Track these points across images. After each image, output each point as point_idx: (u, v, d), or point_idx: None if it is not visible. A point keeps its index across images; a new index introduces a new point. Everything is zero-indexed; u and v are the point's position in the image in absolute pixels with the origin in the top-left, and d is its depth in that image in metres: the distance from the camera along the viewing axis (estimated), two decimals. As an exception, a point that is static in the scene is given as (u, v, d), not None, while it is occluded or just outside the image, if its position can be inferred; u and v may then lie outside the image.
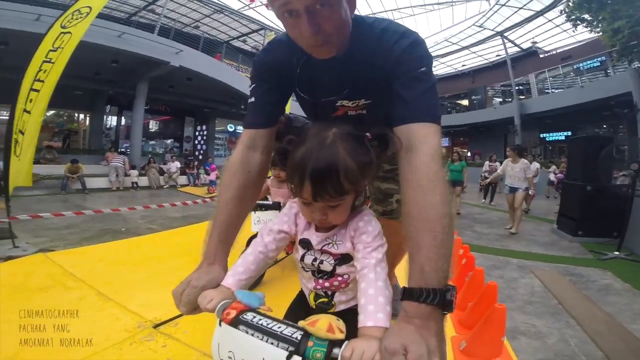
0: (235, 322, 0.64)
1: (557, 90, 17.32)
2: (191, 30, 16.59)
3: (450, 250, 0.67)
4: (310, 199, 0.72)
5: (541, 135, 18.61)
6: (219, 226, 0.87)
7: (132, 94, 12.51)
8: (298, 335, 0.59)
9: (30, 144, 3.30)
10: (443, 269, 0.64)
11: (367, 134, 0.75)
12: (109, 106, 14.95)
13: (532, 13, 15.96)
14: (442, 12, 20.99)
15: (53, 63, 3.58)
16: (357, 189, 0.75)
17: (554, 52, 18.54)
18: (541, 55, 18.98)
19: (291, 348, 0.57)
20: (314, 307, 0.87)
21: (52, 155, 10.96)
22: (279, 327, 0.61)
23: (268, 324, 0.62)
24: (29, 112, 3.28)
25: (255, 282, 0.97)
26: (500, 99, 21.39)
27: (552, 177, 11.30)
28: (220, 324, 0.66)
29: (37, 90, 3.37)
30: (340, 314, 0.77)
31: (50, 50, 3.67)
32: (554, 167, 11.85)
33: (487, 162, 9.48)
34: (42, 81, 3.43)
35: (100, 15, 6.13)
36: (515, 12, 16.32)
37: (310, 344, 0.57)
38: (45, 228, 4.79)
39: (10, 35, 9.24)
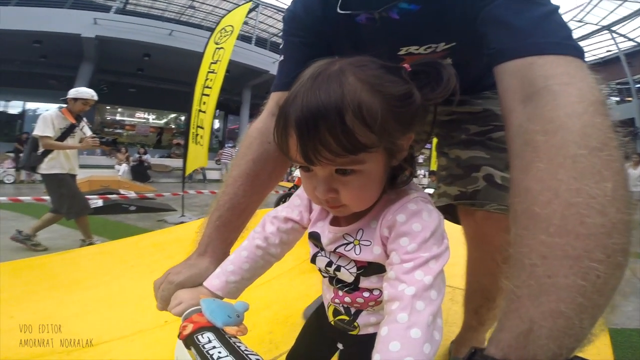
0: (187, 341, 0.47)
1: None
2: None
3: (606, 300, 0.34)
4: (302, 160, 0.43)
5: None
6: (219, 208, 0.68)
7: (237, 100, 14.34)
8: None
9: (206, 134, 4.37)
10: (575, 338, 0.33)
11: (405, 65, 0.47)
12: (217, 110, 17.30)
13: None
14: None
15: (215, 73, 4.63)
16: (386, 143, 0.43)
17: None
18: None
19: None
20: (332, 323, 0.60)
21: (179, 151, 13.21)
22: None
23: (220, 357, 0.43)
24: (204, 112, 4.36)
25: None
26: (618, 98, 18.71)
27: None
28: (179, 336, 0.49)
29: (207, 95, 4.44)
30: (364, 340, 0.53)
31: (212, 63, 4.75)
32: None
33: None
34: (210, 87, 4.49)
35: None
36: (621, 4, 14.25)
37: None
38: (192, 205, 6.05)
39: (151, 48, 11.41)
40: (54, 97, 2.71)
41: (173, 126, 17.75)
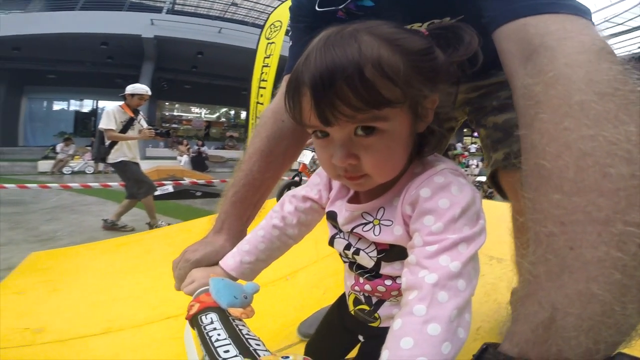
0: (192, 321, 0.46)
1: None
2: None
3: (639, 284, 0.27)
4: (316, 122, 0.38)
5: None
6: (235, 184, 0.67)
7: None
8: None
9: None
10: (616, 328, 0.26)
11: (421, 30, 0.45)
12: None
13: None
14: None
15: (269, 67, 4.82)
16: (411, 100, 0.39)
17: None
18: None
19: None
20: (352, 313, 0.56)
21: (232, 142, 13.89)
22: (226, 353, 0.39)
23: (218, 340, 0.41)
24: (261, 104, 4.58)
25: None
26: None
27: None
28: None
29: (264, 88, 4.66)
30: (386, 334, 0.37)
31: (265, 57, 4.93)
32: None
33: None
34: (266, 80, 4.70)
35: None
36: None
37: None
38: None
39: (203, 46, 11.96)
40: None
41: (223, 119, 18.60)
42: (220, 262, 0.57)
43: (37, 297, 1.49)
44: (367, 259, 0.48)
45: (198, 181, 5.29)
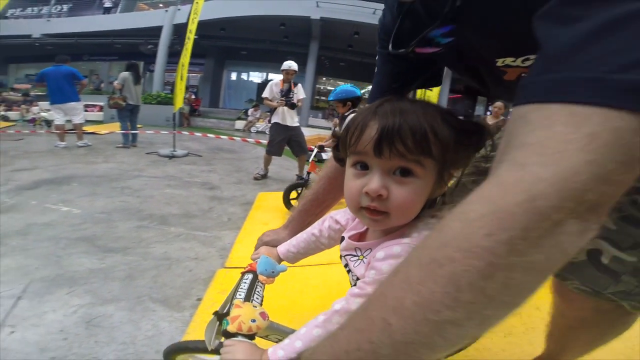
0: (242, 275, 0.71)
1: None
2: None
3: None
4: (370, 149, 0.47)
5: None
6: (305, 198, 0.90)
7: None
8: (228, 309, 0.62)
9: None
10: None
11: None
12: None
13: None
14: None
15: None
16: (444, 158, 0.48)
17: None
18: None
19: (216, 320, 0.64)
20: None
21: None
22: (239, 294, 0.64)
23: (241, 288, 0.65)
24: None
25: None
26: None
27: None
28: None
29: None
30: None
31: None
32: None
33: None
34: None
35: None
36: None
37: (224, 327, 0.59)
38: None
39: (360, 27, 12.54)
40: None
41: (367, 96, 19.11)
42: (278, 247, 0.78)
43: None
44: (352, 281, 0.59)
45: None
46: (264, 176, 4.27)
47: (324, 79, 18.48)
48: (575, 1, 0.32)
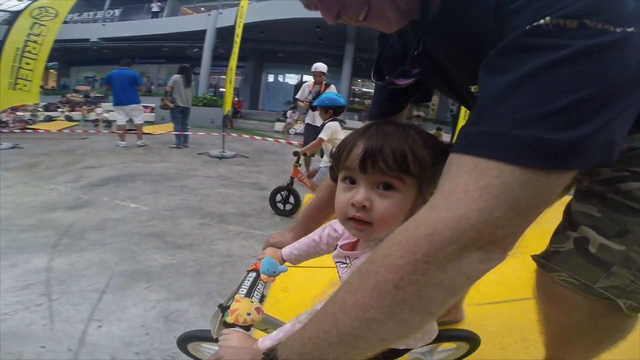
0: (247, 272, 0.78)
1: None
2: None
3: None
4: (357, 165, 0.54)
5: None
6: (310, 204, 0.95)
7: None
8: (228, 304, 0.70)
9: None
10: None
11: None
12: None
13: None
14: None
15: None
16: (422, 176, 0.54)
17: None
18: None
19: (220, 311, 0.71)
20: None
21: (419, 122, 14.14)
22: (242, 290, 0.71)
23: (244, 285, 0.73)
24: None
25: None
26: None
27: None
28: None
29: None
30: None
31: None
32: None
33: None
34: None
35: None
36: None
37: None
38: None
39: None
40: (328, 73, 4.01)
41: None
42: (282, 249, 0.86)
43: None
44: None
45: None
46: (308, 177, 4.34)
47: (360, 80, 18.39)
48: (506, 52, 0.37)
